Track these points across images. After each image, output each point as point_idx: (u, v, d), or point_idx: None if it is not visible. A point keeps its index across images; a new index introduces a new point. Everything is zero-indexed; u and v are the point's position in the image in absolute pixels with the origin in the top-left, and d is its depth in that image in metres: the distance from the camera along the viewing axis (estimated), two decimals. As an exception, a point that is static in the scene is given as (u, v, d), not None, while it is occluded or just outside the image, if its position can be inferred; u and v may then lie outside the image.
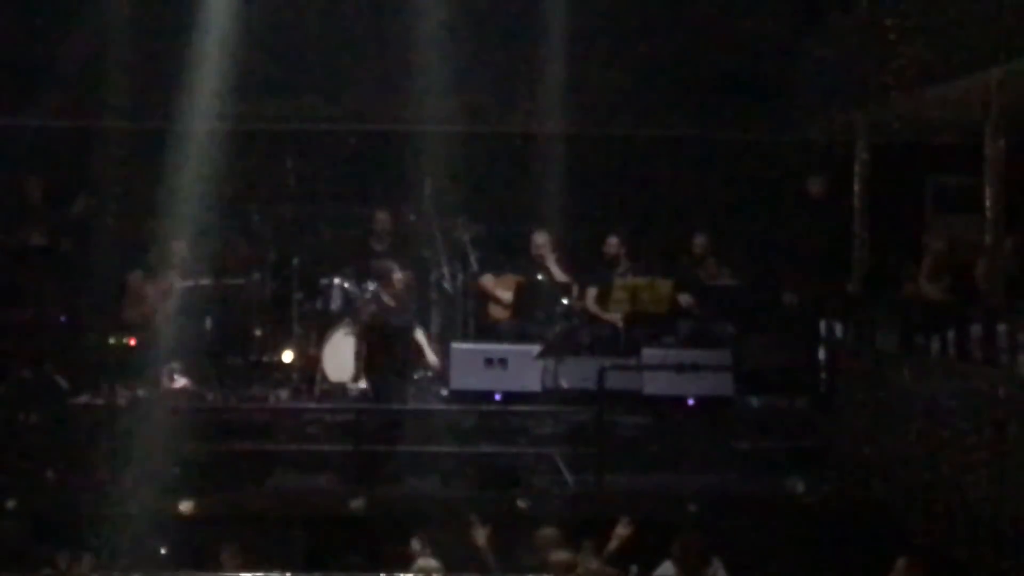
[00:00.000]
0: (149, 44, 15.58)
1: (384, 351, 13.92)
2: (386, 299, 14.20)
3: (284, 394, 14.46)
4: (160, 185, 14.88)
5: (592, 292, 15.11)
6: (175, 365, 14.13)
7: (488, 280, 15.06)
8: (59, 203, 15.07)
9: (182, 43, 15.01)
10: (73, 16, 15.25)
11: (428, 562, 11.55)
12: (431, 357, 14.57)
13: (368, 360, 14.05)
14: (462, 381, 14.02)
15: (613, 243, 15.40)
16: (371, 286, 14.65)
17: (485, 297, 15.16)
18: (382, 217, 15.57)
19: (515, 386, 13.92)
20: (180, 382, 14.08)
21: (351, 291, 14.85)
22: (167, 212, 14.66)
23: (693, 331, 14.85)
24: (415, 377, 14.69)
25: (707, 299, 15.07)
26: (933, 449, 11.43)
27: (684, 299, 15.04)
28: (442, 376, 14.47)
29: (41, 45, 15.57)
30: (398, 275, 14.28)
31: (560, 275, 15.14)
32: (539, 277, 15.03)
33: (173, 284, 14.48)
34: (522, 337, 14.56)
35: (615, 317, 14.88)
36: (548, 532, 11.73)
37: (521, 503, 12.59)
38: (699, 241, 15.50)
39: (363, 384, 14.22)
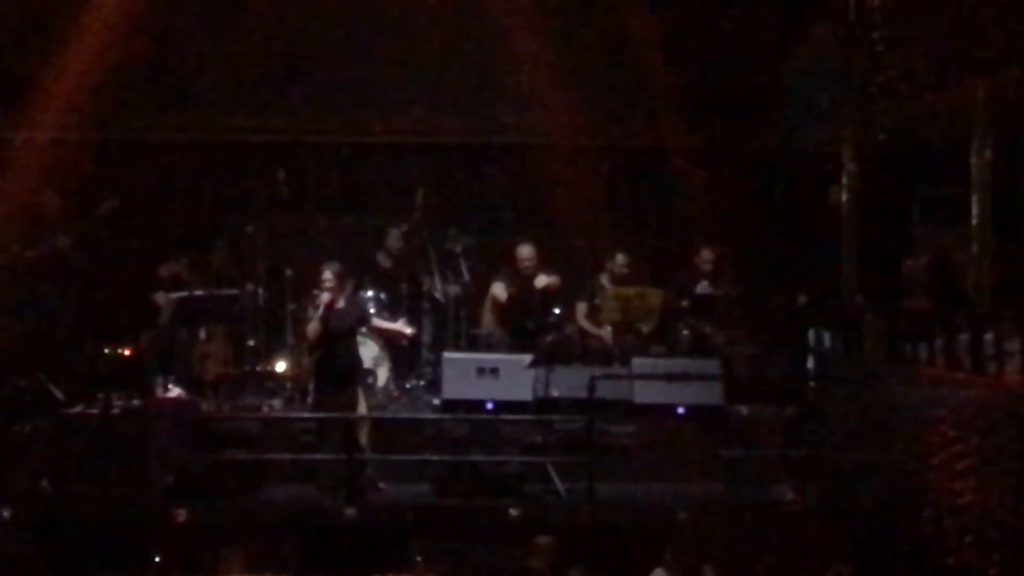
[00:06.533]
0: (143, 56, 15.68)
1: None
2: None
3: (277, 404, 14.56)
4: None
5: (582, 307, 15.14)
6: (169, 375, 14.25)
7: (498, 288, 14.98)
8: (80, 211, 14.97)
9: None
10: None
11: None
12: None
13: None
14: (454, 390, 14.05)
15: (622, 261, 15.29)
16: (369, 293, 14.74)
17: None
18: (395, 234, 15.57)
19: (507, 395, 13.96)
20: (174, 392, 14.16)
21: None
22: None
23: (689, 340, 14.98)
24: (407, 387, 14.81)
25: (698, 308, 15.17)
26: (921, 457, 11.51)
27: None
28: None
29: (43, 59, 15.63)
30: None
31: (547, 280, 14.96)
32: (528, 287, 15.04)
33: (166, 297, 14.58)
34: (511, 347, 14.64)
35: (605, 332, 14.95)
36: (540, 540, 11.84)
37: (513, 512, 12.66)
38: (705, 256, 15.35)
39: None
